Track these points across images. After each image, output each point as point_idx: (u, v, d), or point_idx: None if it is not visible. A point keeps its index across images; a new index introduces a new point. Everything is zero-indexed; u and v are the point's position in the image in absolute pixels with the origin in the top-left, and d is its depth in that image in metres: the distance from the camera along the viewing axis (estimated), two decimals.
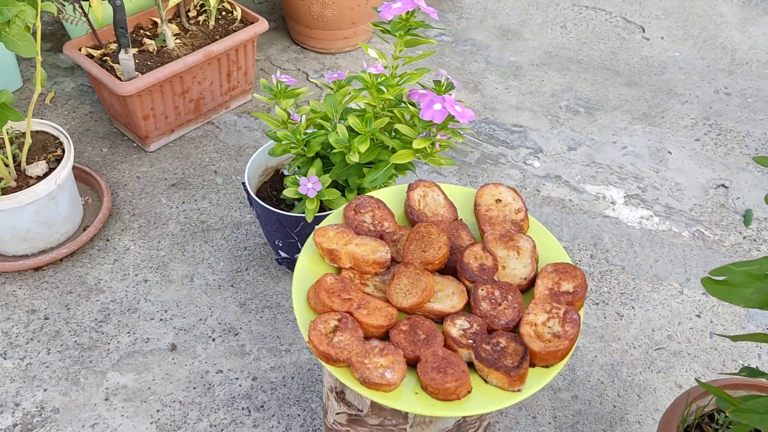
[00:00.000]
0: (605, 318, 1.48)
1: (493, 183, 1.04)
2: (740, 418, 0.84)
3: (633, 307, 1.50)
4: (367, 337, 0.89)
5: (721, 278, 0.82)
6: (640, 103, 2.01)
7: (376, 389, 0.83)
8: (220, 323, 1.44)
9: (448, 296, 0.93)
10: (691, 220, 1.69)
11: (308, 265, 0.97)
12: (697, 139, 1.91)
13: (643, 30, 2.29)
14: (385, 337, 0.90)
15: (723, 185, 1.78)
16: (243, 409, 1.31)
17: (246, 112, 1.91)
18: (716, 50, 2.21)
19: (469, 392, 0.84)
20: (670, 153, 1.86)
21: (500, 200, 1.03)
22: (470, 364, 0.88)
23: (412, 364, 0.87)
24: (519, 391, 0.84)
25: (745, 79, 2.11)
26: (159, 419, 1.29)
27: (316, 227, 0.97)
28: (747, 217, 1.69)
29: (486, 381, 0.85)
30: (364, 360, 0.84)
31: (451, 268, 0.97)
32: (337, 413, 1.04)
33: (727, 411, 0.85)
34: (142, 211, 1.64)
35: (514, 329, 0.90)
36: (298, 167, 1.36)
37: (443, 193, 1.05)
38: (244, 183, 1.41)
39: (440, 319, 0.92)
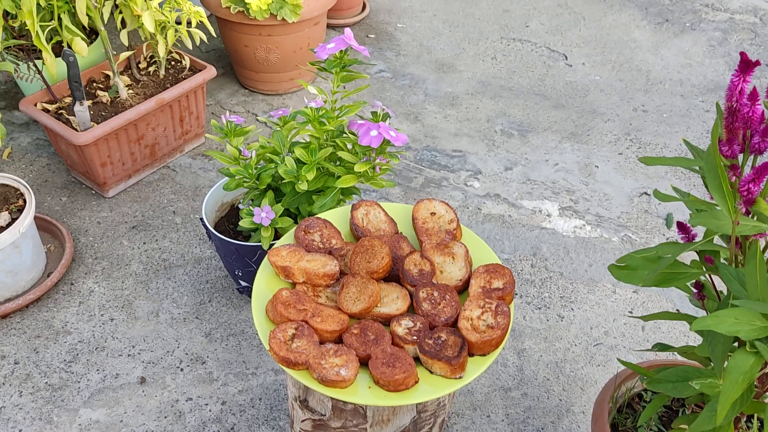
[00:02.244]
0: (548, 320, 1.60)
1: (427, 198, 1.16)
2: (655, 387, 0.96)
3: (572, 309, 1.63)
4: (322, 342, 0.98)
5: (623, 264, 0.94)
6: (567, 124, 2.17)
7: (333, 386, 0.93)
8: (187, 353, 1.51)
9: (393, 300, 1.03)
10: (619, 227, 1.83)
11: (265, 283, 1.06)
12: (620, 153, 2.07)
13: (566, 57, 2.47)
14: (339, 341, 1.00)
15: (645, 193, 1.93)
16: None
17: (200, 155, 2.00)
18: (632, 72, 2.40)
19: (416, 382, 0.94)
20: (597, 167, 2.02)
21: (434, 213, 1.14)
22: (416, 359, 0.98)
23: (365, 362, 0.96)
24: (460, 378, 0.94)
25: (660, 96, 2.29)
26: None
27: (270, 248, 1.07)
28: (668, 221, 1.84)
29: (431, 371, 0.96)
30: (320, 361, 0.93)
31: (394, 275, 1.07)
32: (302, 420, 1.12)
33: (643, 383, 0.97)
34: (104, 254, 1.71)
35: (453, 325, 1.01)
36: (252, 200, 1.46)
37: (384, 210, 1.16)
38: (201, 218, 1.50)
39: (387, 321, 1.02)
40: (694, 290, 0.99)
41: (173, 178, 1.93)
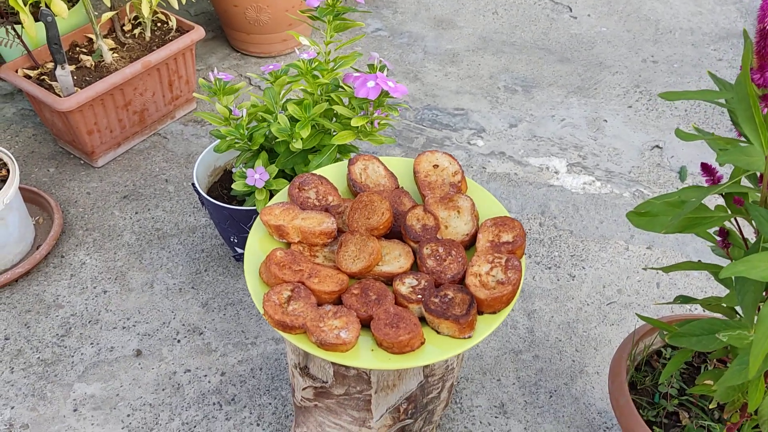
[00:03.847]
0: (558, 280, 1.53)
1: (429, 150, 1.08)
2: (678, 342, 0.89)
3: (583, 268, 1.56)
4: (320, 304, 0.92)
5: (643, 211, 0.87)
6: (573, 78, 2.08)
7: (333, 350, 0.86)
8: (183, 324, 1.45)
9: (395, 258, 0.96)
10: (631, 182, 1.76)
11: (258, 243, 1.00)
12: (630, 106, 1.99)
13: (570, 9, 2.37)
14: (338, 302, 0.93)
15: (657, 146, 1.86)
16: (214, 404, 1.32)
17: (192, 121, 1.93)
18: (641, 22, 2.30)
19: (422, 343, 0.87)
20: (606, 121, 1.94)
21: (437, 165, 1.07)
22: (422, 319, 0.91)
23: (366, 324, 0.90)
24: (470, 337, 0.88)
25: (670, 46, 2.20)
26: (130, 423, 1.29)
27: (263, 207, 1.00)
28: (682, 174, 1.76)
29: (438, 332, 0.89)
30: (319, 324, 0.87)
31: (395, 232, 1.00)
32: (304, 388, 1.06)
33: (665, 338, 0.90)
34: (95, 225, 1.65)
35: (461, 282, 0.94)
36: (245, 162, 1.39)
37: (383, 164, 1.09)
38: (193, 183, 1.43)
39: (390, 280, 0.95)
40: (718, 238, 0.92)
41: (165, 145, 1.85)
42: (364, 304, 0.90)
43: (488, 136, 1.90)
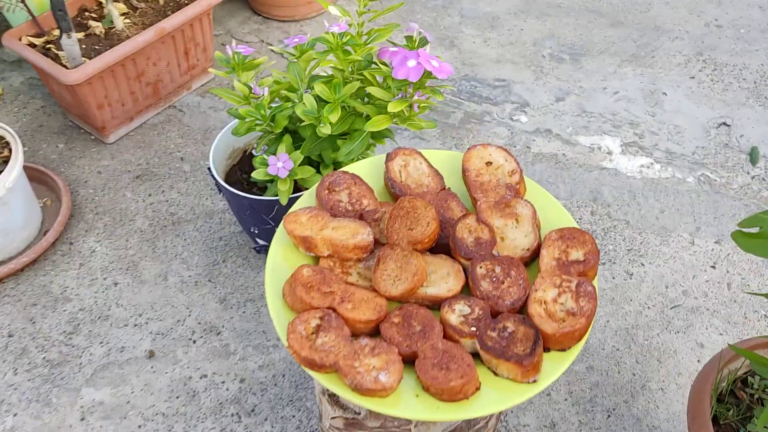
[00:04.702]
0: (614, 278, 1.38)
1: (480, 144, 0.92)
2: None
3: (642, 264, 1.40)
4: (354, 335, 0.78)
5: (753, 230, 0.71)
6: (627, 44, 1.88)
7: (370, 396, 0.72)
8: (199, 323, 1.33)
9: (442, 278, 0.81)
10: (695, 164, 1.58)
11: (282, 256, 0.85)
12: (692, 76, 1.79)
13: None
14: (375, 332, 0.79)
15: (724, 123, 1.67)
16: (232, 415, 1.20)
17: (209, 92, 1.77)
18: None
19: (477, 389, 0.73)
20: (665, 94, 1.75)
21: (491, 162, 0.91)
22: (475, 355, 0.77)
23: (410, 361, 0.76)
24: (534, 381, 0.73)
25: (735, 8, 1.98)
26: None
27: (287, 214, 0.85)
28: (753, 156, 1.58)
29: (495, 373, 0.75)
30: (353, 363, 0.73)
31: (442, 245, 0.85)
32: (333, 417, 0.93)
33: (759, 370, 0.75)
34: (105, 208, 1.52)
35: (522, 310, 0.79)
36: (267, 146, 1.24)
37: (426, 160, 0.93)
38: (209, 168, 1.28)
39: (436, 305, 0.81)
40: None
41: (180, 119, 1.71)
42: (406, 336, 0.76)
43: (532, 111, 1.72)
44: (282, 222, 0.84)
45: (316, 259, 0.85)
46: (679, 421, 1.18)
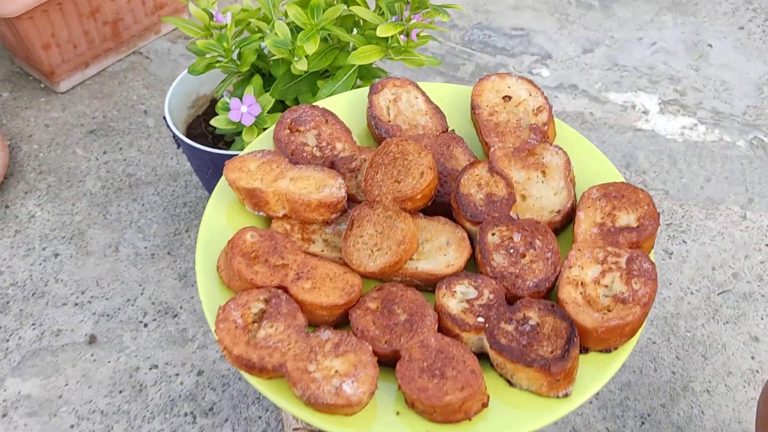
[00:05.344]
0: None
1: (497, 74, 0.69)
2: None
3: (684, 242, 1.17)
4: (313, 325, 0.56)
5: None
6: None
7: (330, 412, 0.50)
8: (153, 303, 1.11)
9: (439, 249, 0.59)
10: (746, 126, 1.34)
11: (225, 217, 0.63)
12: (741, 27, 1.54)
13: None
14: (343, 323, 0.57)
15: None
16: (186, 414, 0.99)
17: (182, 37, 1.54)
18: None
19: (484, 406, 0.51)
20: (711, 46, 1.51)
21: (509, 97, 0.68)
22: (483, 357, 0.55)
23: (389, 364, 0.54)
24: (566, 396, 0.51)
25: None
26: None
27: (229, 159, 0.63)
28: None
29: (511, 383, 0.52)
30: (307, 366, 0.51)
31: (441, 204, 0.63)
32: (295, 429, 0.71)
33: None
34: (51, 167, 1.30)
35: (550, 294, 0.57)
36: (233, 89, 1.01)
37: (423, 94, 0.70)
38: (165, 117, 1.06)
39: (430, 285, 0.58)
40: None
41: (146, 67, 1.48)
42: (386, 329, 0.54)
43: (555, 64, 1.49)
44: (224, 170, 0.62)
45: (269, 222, 0.62)
46: (731, 431, 0.96)
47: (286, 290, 0.55)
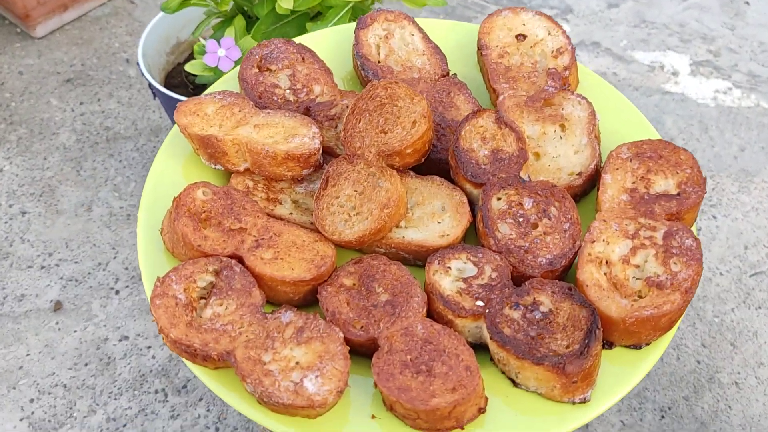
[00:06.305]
0: None
1: (509, 8, 0.58)
2: None
3: (714, 217, 1.06)
4: (272, 303, 0.45)
5: None
6: None
7: (288, 413, 0.40)
8: (126, 268, 1.02)
9: (433, 215, 0.48)
10: None
11: (179, 172, 0.53)
12: None
13: None
14: (311, 302, 0.46)
15: None
16: (157, 392, 0.90)
17: None
18: None
19: (481, 412, 0.41)
20: (748, 3, 1.38)
21: (524, 36, 0.57)
22: (479, 347, 0.44)
23: (365, 354, 0.43)
24: (583, 401, 0.41)
25: None
26: (33, 413, 0.89)
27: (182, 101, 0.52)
28: None
29: (515, 383, 0.42)
30: (261, 355, 0.41)
31: (437, 162, 0.52)
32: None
33: None
34: (23, 117, 1.20)
35: (566, 275, 0.46)
36: (212, 31, 0.90)
37: (421, 31, 0.59)
38: (138, 63, 0.95)
39: (420, 259, 0.48)
40: None
41: (131, 12, 1.37)
42: (362, 311, 0.44)
43: (576, 19, 1.36)
44: (174, 113, 0.51)
45: (228, 177, 0.52)
46: (761, 428, 0.87)
47: (241, 260, 0.45)
